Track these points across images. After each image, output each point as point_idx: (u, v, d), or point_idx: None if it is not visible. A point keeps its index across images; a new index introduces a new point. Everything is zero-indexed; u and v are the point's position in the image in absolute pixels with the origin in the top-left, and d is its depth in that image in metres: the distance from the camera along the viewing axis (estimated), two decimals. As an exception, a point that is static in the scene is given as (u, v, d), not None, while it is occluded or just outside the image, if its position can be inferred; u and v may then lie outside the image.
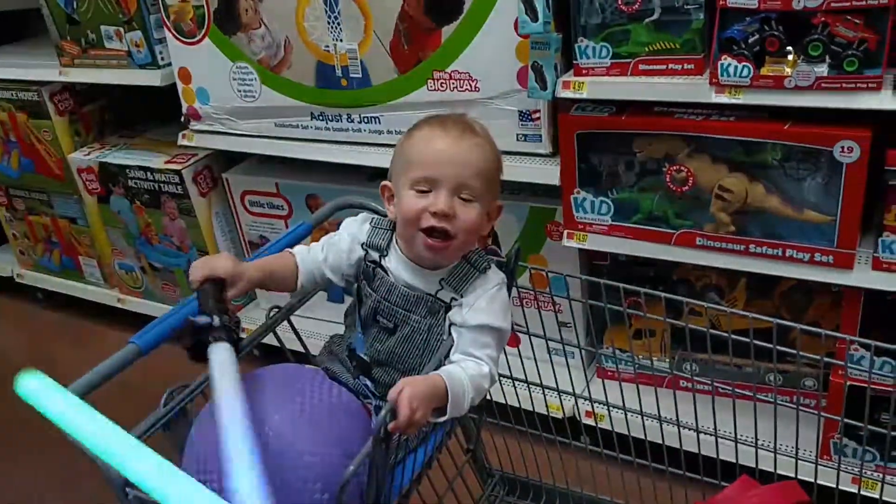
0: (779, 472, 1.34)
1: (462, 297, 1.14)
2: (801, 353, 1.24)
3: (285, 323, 1.30)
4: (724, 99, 1.49)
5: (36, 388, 0.88)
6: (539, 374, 1.50)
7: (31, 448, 2.38)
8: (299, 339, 1.29)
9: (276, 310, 1.24)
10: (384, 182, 1.20)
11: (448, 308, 1.14)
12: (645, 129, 1.63)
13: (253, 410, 1.00)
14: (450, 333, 1.13)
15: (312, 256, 1.24)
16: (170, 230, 2.52)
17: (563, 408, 1.76)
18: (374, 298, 1.17)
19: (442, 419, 1.02)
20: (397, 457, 1.10)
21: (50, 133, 2.64)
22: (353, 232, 1.23)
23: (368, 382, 1.15)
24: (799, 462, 1.30)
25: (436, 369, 1.05)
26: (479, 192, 1.10)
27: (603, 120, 1.66)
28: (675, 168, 1.64)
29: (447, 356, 1.10)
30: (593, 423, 1.81)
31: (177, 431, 1.06)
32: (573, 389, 1.51)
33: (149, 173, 2.43)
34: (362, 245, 1.21)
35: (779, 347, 1.23)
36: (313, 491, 0.97)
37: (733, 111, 1.57)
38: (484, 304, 1.13)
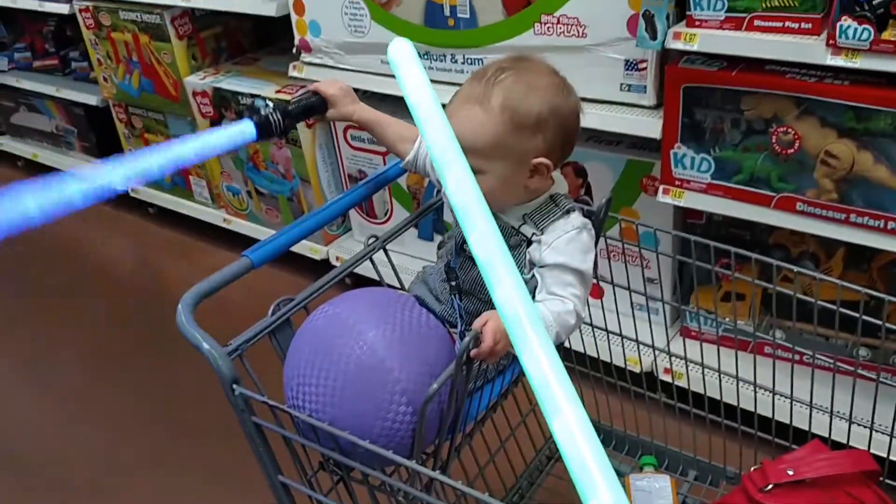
0: (852, 444, 1.34)
1: (542, 233, 1.17)
2: (887, 324, 1.22)
3: (380, 254, 1.36)
4: (839, 62, 1.45)
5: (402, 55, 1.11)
6: (620, 327, 1.53)
7: (136, 357, 2.57)
8: (393, 269, 1.35)
9: (374, 239, 1.31)
10: None
11: (529, 243, 1.17)
12: (754, 87, 1.60)
13: (350, 325, 1.08)
14: (531, 271, 1.16)
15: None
16: (276, 158, 2.63)
17: (641, 362, 1.79)
18: None
19: None
20: (476, 383, 1.16)
21: (169, 56, 2.77)
22: None
23: (459, 303, 1.20)
24: (874, 434, 1.29)
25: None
26: (478, 164, 1.07)
27: (712, 74, 1.63)
28: (782, 129, 1.60)
29: (532, 296, 1.13)
30: (670, 380, 1.83)
31: (281, 339, 1.14)
32: (653, 343, 1.52)
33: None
34: None
35: (866, 318, 1.22)
36: (399, 404, 1.05)
37: (848, 75, 1.52)
38: (562, 243, 1.15)
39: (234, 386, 1.02)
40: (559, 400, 0.74)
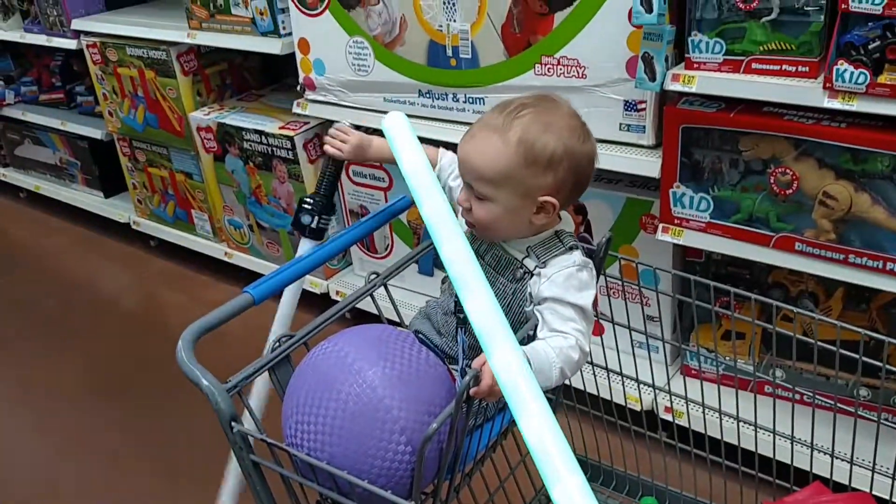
0: (854, 485, 1.33)
1: (544, 266, 1.18)
2: (887, 366, 1.22)
3: (381, 289, 1.37)
4: (836, 104, 1.47)
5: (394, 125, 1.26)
6: (620, 365, 1.53)
7: (132, 390, 2.56)
8: (393, 304, 1.36)
9: (375, 275, 1.31)
10: None
11: (531, 275, 1.19)
12: (753, 129, 1.62)
13: (349, 363, 1.08)
14: (531, 305, 1.17)
15: (448, 172, 1.36)
16: (278, 192, 2.65)
17: (641, 400, 1.78)
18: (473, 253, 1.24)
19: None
20: (476, 421, 1.16)
21: (174, 91, 2.81)
22: None
23: (464, 338, 1.21)
24: (875, 476, 1.29)
25: (522, 343, 1.09)
26: (488, 192, 1.14)
27: (710, 116, 1.65)
28: (780, 170, 1.62)
29: (532, 332, 1.14)
30: (671, 419, 1.82)
31: (281, 376, 1.15)
32: (653, 382, 1.52)
33: (263, 137, 2.56)
34: None
35: (866, 360, 1.22)
36: (398, 443, 1.04)
37: (845, 117, 1.54)
38: (561, 278, 1.16)
39: (233, 423, 1.01)
40: (561, 470, 0.76)
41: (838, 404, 1.33)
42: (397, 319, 1.38)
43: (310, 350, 1.15)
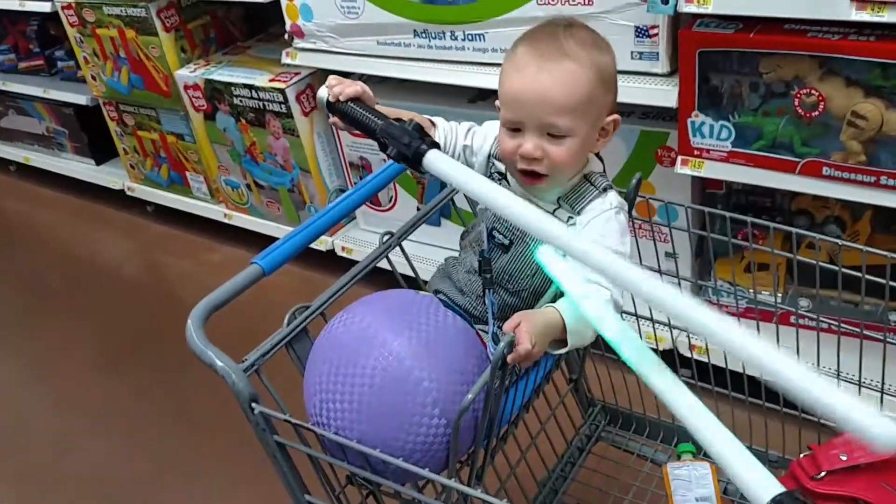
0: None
1: (578, 215, 1.10)
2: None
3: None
4: (864, 16, 1.37)
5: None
6: (634, 304, 1.46)
7: (144, 359, 2.52)
8: (410, 265, 1.28)
9: (389, 235, 1.24)
10: (497, 102, 1.15)
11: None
12: (774, 49, 1.52)
13: (372, 334, 1.02)
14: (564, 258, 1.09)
15: (455, 135, 1.21)
16: (274, 149, 2.55)
17: (659, 339, 1.72)
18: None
19: (563, 350, 1.00)
20: (509, 382, 1.09)
21: (157, 49, 2.68)
22: (494, 135, 1.20)
23: (493, 299, 1.13)
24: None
25: (553, 301, 1.02)
26: (568, 126, 1.03)
27: (728, 37, 1.55)
28: (804, 91, 1.52)
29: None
30: (697, 357, 1.77)
31: (299, 350, 1.08)
32: (669, 321, 1.46)
33: (253, 91, 2.45)
34: (489, 156, 1.19)
35: (894, 284, 1.16)
36: (431, 416, 0.99)
37: (874, 30, 1.44)
38: (600, 224, 1.08)
39: (253, 405, 0.96)
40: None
41: (865, 331, 1.27)
42: (413, 276, 1.32)
43: (328, 321, 1.09)
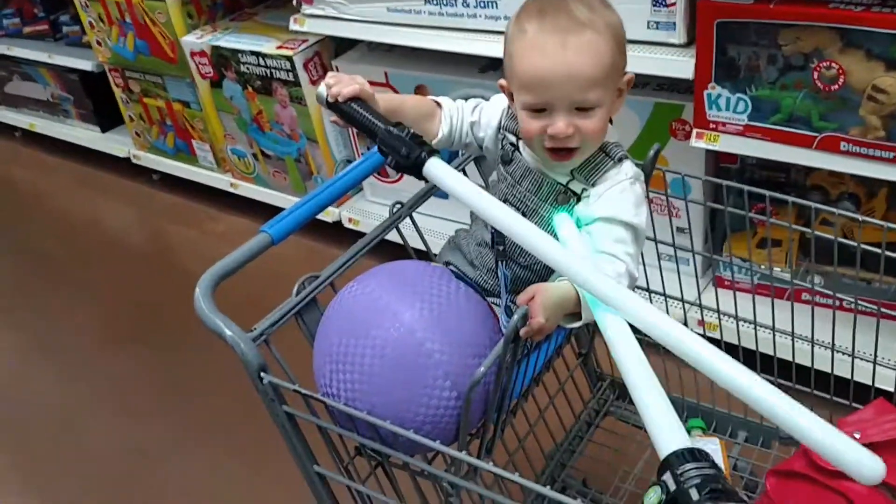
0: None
1: (593, 186, 1.08)
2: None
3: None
4: (890, -13, 1.34)
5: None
6: (647, 281, 1.44)
7: (149, 329, 2.51)
8: (421, 236, 1.27)
9: (399, 205, 1.22)
10: (501, 81, 1.13)
11: (578, 199, 1.09)
12: (794, 20, 1.48)
13: (383, 305, 1.00)
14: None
15: (462, 113, 1.18)
16: (281, 118, 2.53)
17: (672, 315, 1.70)
18: (507, 182, 1.13)
19: (577, 324, 0.99)
20: (521, 356, 1.08)
21: (164, 15, 2.65)
22: (503, 108, 1.17)
23: (505, 272, 1.11)
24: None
25: (566, 274, 1.01)
26: (598, 97, 1.01)
27: (748, 8, 1.51)
28: (824, 64, 1.49)
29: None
30: (710, 334, 1.75)
31: (308, 321, 1.07)
32: (682, 296, 1.44)
33: (260, 59, 2.42)
34: (499, 129, 1.16)
35: None
36: (443, 388, 0.97)
37: (898, 1, 1.40)
38: (616, 194, 1.06)
39: (263, 374, 0.94)
40: None
41: (882, 309, 1.25)
42: (424, 249, 1.30)
43: (337, 292, 1.07)
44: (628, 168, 1.08)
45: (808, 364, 1.34)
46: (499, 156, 1.15)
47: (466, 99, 1.21)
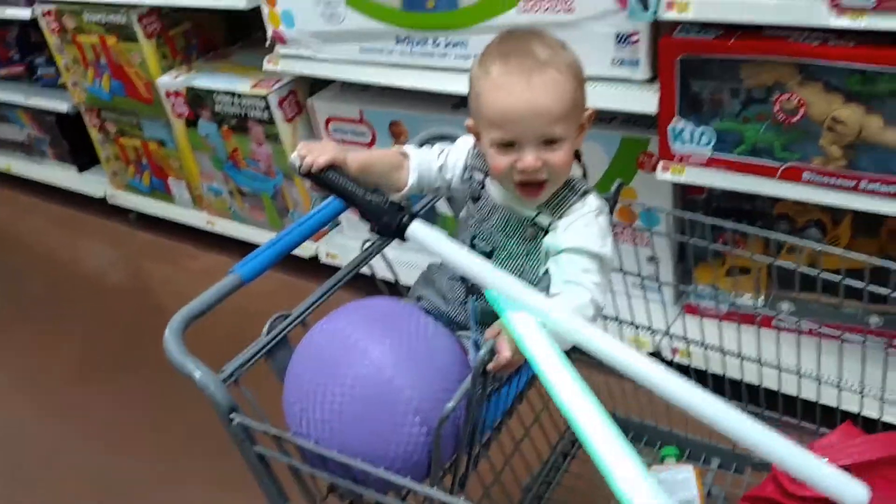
0: (885, 419, 1.29)
1: (560, 219, 1.11)
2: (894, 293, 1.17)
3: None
4: (845, 23, 1.38)
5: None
6: (617, 309, 1.47)
7: (128, 367, 2.49)
8: (393, 272, 1.28)
9: (370, 243, 1.23)
10: (468, 122, 1.16)
11: (546, 232, 1.12)
12: (754, 55, 1.53)
13: (353, 343, 1.01)
14: (546, 264, 1.10)
15: (428, 160, 1.22)
16: (257, 155, 2.54)
17: (642, 342, 1.73)
18: (476, 219, 1.16)
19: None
20: (491, 389, 1.09)
21: (138, 56, 2.67)
22: (468, 148, 1.21)
23: (476, 304, 1.13)
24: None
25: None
26: (564, 130, 1.05)
27: (708, 44, 1.56)
28: (784, 97, 1.53)
29: (546, 292, 1.07)
30: (680, 360, 1.78)
31: (279, 360, 1.07)
32: (650, 324, 1.47)
33: (235, 98, 2.44)
34: (465, 168, 1.19)
35: (872, 288, 1.17)
36: (413, 424, 0.98)
37: (853, 36, 1.45)
38: (580, 226, 1.09)
39: (233, 415, 0.95)
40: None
41: (846, 333, 1.28)
42: (396, 284, 1.31)
43: (308, 329, 1.08)
44: (592, 201, 1.11)
45: (776, 389, 1.36)
46: (467, 194, 1.18)
47: (431, 143, 1.24)
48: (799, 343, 1.32)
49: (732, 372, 1.44)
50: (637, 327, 1.48)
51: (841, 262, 1.26)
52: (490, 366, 0.91)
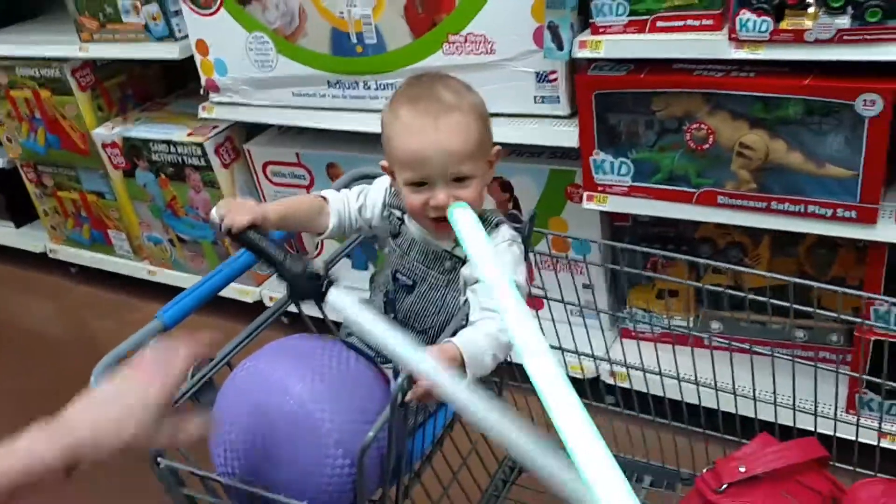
0: (800, 426, 1.35)
1: None
2: (817, 310, 1.23)
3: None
4: (743, 55, 1.47)
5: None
6: (558, 337, 1.51)
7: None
8: (320, 308, 1.30)
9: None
10: (382, 163, 1.21)
11: (463, 263, 1.16)
12: (664, 88, 1.61)
13: (275, 380, 1.03)
14: (466, 293, 1.14)
15: (346, 202, 1.26)
16: (195, 202, 2.55)
17: (584, 368, 1.77)
18: (397, 254, 1.20)
19: (465, 382, 1.03)
20: (417, 421, 1.12)
21: (73, 109, 2.67)
22: (385, 187, 1.26)
23: None
24: (819, 418, 1.31)
25: (452, 335, 1.06)
26: (472, 168, 1.11)
27: (621, 79, 1.64)
28: (694, 126, 1.61)
29: (465, 320, 1.11)
30: (620, 384, 1.82)
31: (204, 401, 1.09)
32: (592, 350, 1.51)
33: (172, 146, 2.46)
34: (384, 206, 1.24)
35: (797, 307, 1.23)
36: (335, 457, 1.00)
37: (753, 66, 1.54)
38: None
39: (159, 459, 0.96)
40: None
41: (753, 347, 1.34)
42: (325, 321, 1.34)
43: (233, 369, 1.10)
44: (505, 231, 1.16)
45: (714, 407, 1.41)
46: (387, 231, 1.22)
47: (357, 183, 1.29)
48: (732, 361, 1.37)
49: (655, 390, 1.49)
50: (578, 354, 1.52)
51: (762, 280, 1.32)
52: (409, 395, 0.94)
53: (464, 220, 1.04)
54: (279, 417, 1.01)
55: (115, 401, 0.87)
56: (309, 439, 1.00)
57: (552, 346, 1.48)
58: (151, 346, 1.03)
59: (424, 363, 0.92)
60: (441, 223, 1.12)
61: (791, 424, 1.35)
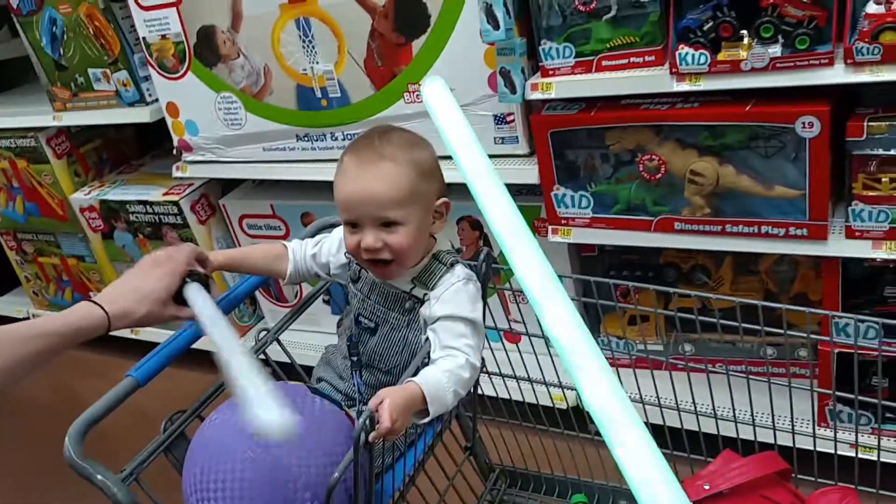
0: (760, 439, 1.39)
1: (432, 290, 1.20)
2: (787, 332, 1.28)
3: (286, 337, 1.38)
4: (685, 87, 1.53)
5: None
6: (541, 368, 1.54)
7: (56, 485, 2.45)
8: (288, 355, 1.35)
9: (265, 332, 1.30)
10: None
11: (422, 303, 1.21)
12: (614, 123, 1.68)
13: (239, 428, 1.06)
14: (426, 333, 1.18)
15: (303, 250, 1.35)
16: (173, 260, 2.59)
17: (567, 399, 1.81)
18: (358, 298, 1.25)
19: (426, 420, 1.08)
20: (385, 461, 1.15)
21: (50, 176, 2.72)
22: (341, 237, 1.31)
23: (359, 379, 1.22)
24: (777, 432, 1.35)
25: (414, 374, 1.10)
26: (398, 216, 1.15)
27: (573, 117, 1.70)
28: (646, 157, 1.68)
29: (427, 358, 1.15)
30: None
31: (177, 454, 1.12)
32: (559, 382, 1.55)
33: (148, 206, 2.50)
34: (346, 253, 1.29)
35: (766, 329, 1.27)
36: (304, 500, 1.03)
37: (697, 97, 1.61)
38: (450, 295, 1.18)
39: (129, 512, 0.99)
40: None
41: (710, 367, 1.39)
42: (302, 371, 1.38)
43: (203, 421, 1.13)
44: (460, 271, 1.21)
45: (690, 428, 1.44)
46: (347, 277, 1.27)
47: (321, 232, 1.35)
48: (710, 382, 1.41)
49: (654, 418, 1.52)
50: (561, 387, 1.55)
51: (727, 303, 1.36)
52: (372, 435, 0.97)
53: (432, 92, 1.07)
54: (247, 464, 1.03)
55: (137, 286, 1.29)
56: (278, 484, 1.03)
57: (522, 379, 1.54)
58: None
59: (237, 356, 1.00)
60: (375, 265, 1.19)
61: (765, 440, 1.38)
